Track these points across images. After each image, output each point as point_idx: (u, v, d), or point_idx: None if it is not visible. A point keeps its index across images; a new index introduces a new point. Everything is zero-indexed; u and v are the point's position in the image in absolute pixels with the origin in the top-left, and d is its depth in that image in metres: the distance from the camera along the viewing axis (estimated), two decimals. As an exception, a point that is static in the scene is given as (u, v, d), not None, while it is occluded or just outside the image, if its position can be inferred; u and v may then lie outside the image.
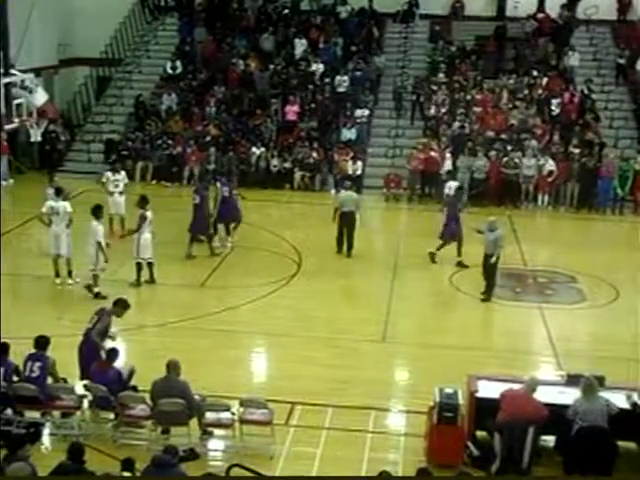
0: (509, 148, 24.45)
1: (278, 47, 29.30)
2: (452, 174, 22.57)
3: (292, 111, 26.66)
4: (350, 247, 18.68)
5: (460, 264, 18.17)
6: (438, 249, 18.24)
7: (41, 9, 27.28)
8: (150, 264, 16.50)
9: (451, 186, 20.88)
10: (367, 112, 26.64)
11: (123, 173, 20.12)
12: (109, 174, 19.83)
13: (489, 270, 16.33)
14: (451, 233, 18.13)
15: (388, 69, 28.60)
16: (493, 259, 16.11)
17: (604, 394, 10.30)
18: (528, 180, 23.95)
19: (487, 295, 16.41)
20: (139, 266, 16.45)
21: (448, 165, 23.86)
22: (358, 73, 27.64)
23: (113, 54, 30.40)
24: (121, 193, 19.50)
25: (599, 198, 23.89)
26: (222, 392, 11.21)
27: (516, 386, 10.42)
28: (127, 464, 8.59)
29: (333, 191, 24.20)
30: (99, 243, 15.62)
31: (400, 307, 15.95)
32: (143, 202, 16.67)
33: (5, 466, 7.99)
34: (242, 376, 13.01)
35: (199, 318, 14.97)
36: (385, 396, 12.41)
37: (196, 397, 10.66)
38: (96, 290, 15.68)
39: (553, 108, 26.26)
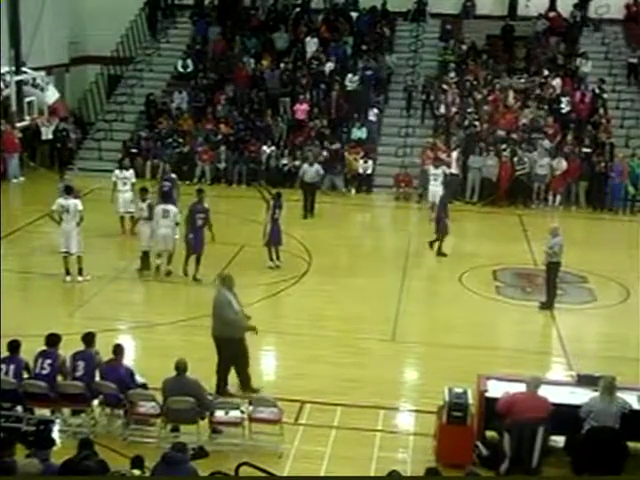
0: (520, 147, 24.40)
1: (289, 46, 29.30)
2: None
3: (302, 110, 26.67)
4: (312, 211, 21.99)
5: None
6: None
7: (52, 7, 27.36)
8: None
9: (425, 174, 21.30)
10: (376, 111, 26.62)
11: (131, 171, 20.13)
12: (117, 172, 19.86)
13: (554, 277, 15.85)
14: None
15: (399, 68, 28.56)
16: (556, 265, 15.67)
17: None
18: (541, 179, 23.90)
19: (549, 302, 15.86)
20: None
21: (457, 164, 23.84)
22: (368, 72, 27.58)
23: (124, 52, 30.46)
24: (129, 191, 19.45)
25: (610, 198, 23.83)
26: (232, 390, 11.19)
27: (515, 389, 10.31)
28: (136, 462, 8.59)
29: (344, 189, 24.60)
30: (177, 224, 16.66)
31: (410, 306, 15.93)
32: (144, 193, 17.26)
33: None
34: (251, 374, 13.00)
35: (209, 316, 14.94)
36: (394, 395, 12.39)
37: (209, 397, 10.68)
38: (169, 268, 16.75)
39: (564, 107, 26.19)
